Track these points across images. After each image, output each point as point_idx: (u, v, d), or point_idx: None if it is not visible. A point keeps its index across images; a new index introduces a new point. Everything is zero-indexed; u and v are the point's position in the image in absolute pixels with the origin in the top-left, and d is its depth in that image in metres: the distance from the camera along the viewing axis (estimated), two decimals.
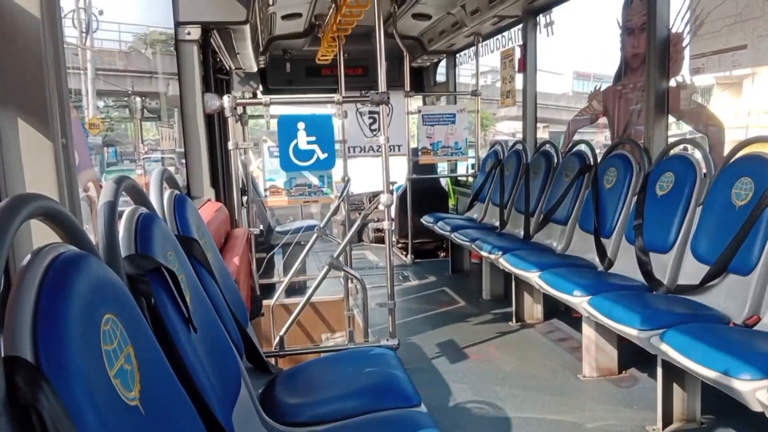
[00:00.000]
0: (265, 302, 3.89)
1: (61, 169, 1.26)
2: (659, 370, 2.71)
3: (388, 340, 3.36)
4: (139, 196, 1.65)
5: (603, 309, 3.00)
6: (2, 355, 0.80)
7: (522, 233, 5.00)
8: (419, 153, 6.92)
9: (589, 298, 3.18)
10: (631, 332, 2.74)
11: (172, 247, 1.67)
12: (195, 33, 3.55)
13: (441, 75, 8.39)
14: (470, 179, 7.28)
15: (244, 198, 4.46)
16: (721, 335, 2.47)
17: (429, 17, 6.55)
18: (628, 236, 3.70)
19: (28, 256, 0.94)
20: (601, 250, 3.92)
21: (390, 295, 3.51)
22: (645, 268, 3.40)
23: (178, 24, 3.50)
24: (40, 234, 1.18)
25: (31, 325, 0.84)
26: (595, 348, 3.39)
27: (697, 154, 3.49)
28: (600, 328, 3.29)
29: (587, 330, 3.42)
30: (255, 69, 6.59)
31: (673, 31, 3.79)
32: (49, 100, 1.25)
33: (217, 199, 3.97)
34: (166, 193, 2.05)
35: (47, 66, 1.24)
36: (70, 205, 1.29)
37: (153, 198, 1.91)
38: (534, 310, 4.49)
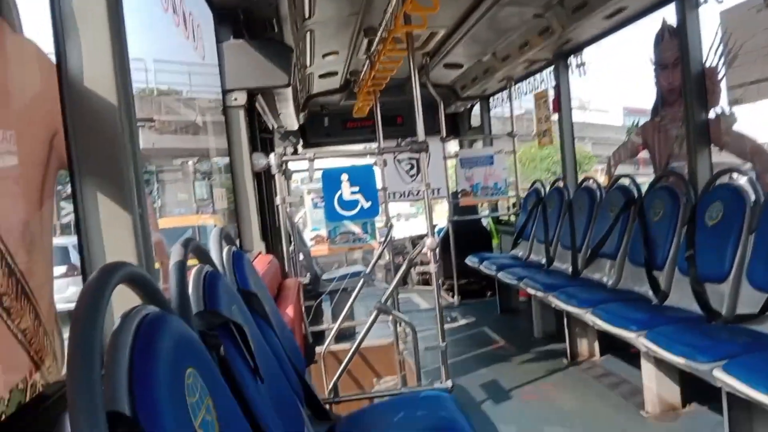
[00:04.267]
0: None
1: (139, 237, 1.37)
2: (725, 403, 2.62)
3: (441, 382, 3.35)
4: (203, 255, 1.76)
5: (661, 343, 2.95)
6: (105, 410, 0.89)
7: (570, 269, 4.95)
8: (459, 195, 6.98)
9: (646, 332, 3.12)
10: (692, 365, 2.68)
11: (235, 301, 1.76)
12: (241, 98, 3.75)
13: (477, 116, 8.52)
14: (512, 218, 7.28)
15: (290, 248, 4.58)
16: None
17: (461, 66, 6.71)
18: (680, 267, 3.63)
19: (118, 320, 1.05)
20: (654, 283, 3.85)
21: (441, 337, 3.51)
22: (701, 298, 3.33)
23: (225, 91, 3.72)
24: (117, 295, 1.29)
25: (128, 383, 0.93)
26: (656, 383, 3.30)
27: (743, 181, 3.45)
28: (660, 363, 3.22)
29: (646, 365, 3.34)
30: (296, 126, 6.85)
31: (707, 65, 3.79)
32: (127, 176, 1.38)
33: (267, 251, 4.10)
34: (224, 250, 2.17)
35: (124, 146, 1.38)
36: (148, 268, 1.40)
37: (213, 255, 2.03)
38: (589, 346, 4.40)
